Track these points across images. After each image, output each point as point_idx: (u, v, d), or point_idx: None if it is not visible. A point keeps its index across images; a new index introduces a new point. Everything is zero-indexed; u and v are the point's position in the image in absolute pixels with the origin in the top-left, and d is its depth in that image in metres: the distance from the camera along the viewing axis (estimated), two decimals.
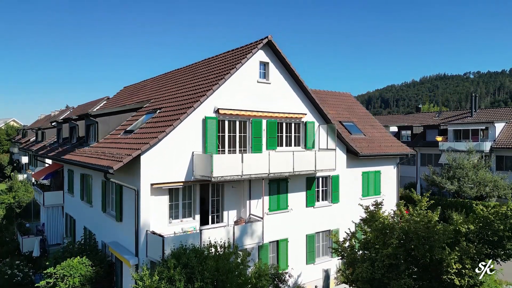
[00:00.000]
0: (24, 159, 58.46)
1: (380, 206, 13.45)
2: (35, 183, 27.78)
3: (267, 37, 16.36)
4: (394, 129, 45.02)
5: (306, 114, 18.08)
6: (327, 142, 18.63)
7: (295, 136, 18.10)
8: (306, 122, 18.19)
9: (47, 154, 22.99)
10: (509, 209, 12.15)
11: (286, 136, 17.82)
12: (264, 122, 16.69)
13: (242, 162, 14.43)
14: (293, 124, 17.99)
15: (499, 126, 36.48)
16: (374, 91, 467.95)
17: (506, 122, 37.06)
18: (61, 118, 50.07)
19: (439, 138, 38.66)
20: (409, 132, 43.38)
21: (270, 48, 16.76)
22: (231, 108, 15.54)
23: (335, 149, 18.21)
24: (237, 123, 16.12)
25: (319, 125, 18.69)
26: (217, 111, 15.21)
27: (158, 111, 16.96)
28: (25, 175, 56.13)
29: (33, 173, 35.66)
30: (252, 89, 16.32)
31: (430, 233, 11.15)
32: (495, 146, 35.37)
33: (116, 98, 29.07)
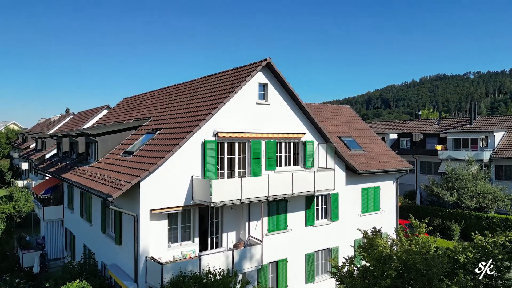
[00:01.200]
0: (24, 165, 58.45)
1: (379, 233, 13.47)
2: (35, 196, 27.79)
3: (266, 59, 16.41)
4: (393, 136, 45.04)
5: (305, 133, 18.12)
6: (326, 161, 18.67)
7: (294, 155, 18.14)
8: (305, 141, 18.23)
9: (47, 170, 23.02)
10: (507, 239, 12.16)
11: (286, 155, 17.85)
12: (263, 143, 16.73)
13: (241, 186, 14.47)
14: (292, 144, 18.03)
15: (498, 135, 36.49)
16: (374, 91, 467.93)
17: (506, 131, 37.06)
18: (62, 125, 50.15)
19: (438, 147, 38.67)
20: (408, 139, 43.36)
21: (269, 69, 16.80)
22: (230, 131, 15.57)
23: (334, 169, 18.26)
24: (236, 145, 16.16)
25: (318, 144, 18.72)
26: (216, 134, 15.25)
27: (158, 132, 17.00)
28: (25, 182, 56.23)
29: (33, 185, 35.70)
30: (251, 111, 16.36)
31: (429, 265, 11.18)
32: (494, 156, 35.37)
33: (115, 111, 29.10)
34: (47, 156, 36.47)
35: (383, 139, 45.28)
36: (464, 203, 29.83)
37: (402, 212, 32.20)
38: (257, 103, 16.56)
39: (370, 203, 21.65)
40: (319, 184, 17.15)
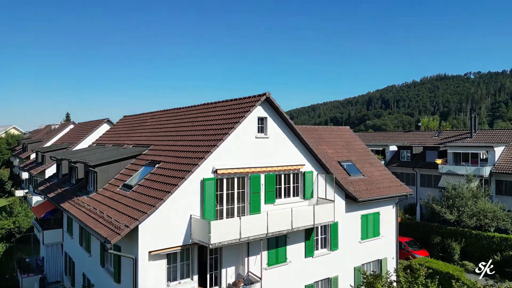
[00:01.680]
0: (25, 174, 58.48)
1: (378, 278, 13.45)
2: (35, 218, 27.76)
3: (265, 94, 16.40)
4: (393, 148, 45.01)
5: (304, 164, 18.09)
6: (326, 191, 18.64)
7: (294, 186, 18.12)
8: (304, 172, 18.20)
9: (47, 194, 23.00)
10: None
11: (285, 187, 17.83)
12: (262, 176, 16.71)
13: (240, 226, 14.45)
14: (291, 175, 18.01)
15: (498, 150, 36.44)
16: (375, 92, 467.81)
17: (506, 146, 37.02)
18: (62, 136, 50.03)
19: (438, 161, 38.64)
20: (409, 151, 43.34)
21: (268, 103, 16.78)
22: (229, 168, 15.55)
23: (333, 201, 18.22)
24: (235, 179, 16.14)
25: (317, 174, 18.69)
26: (215, 171, 15.23)
27: (157, 165, 16.97)
28: (25, 191, 56.22)
29: (33, 201, 35.68)
30: (250, 145, 16.33)
31: None
32: (494, 171, 35.34)
33: (115, 130, 29.06)
34: (47, 172, 36.50)
35: (383, 151, 45.29)
36: (464, 222, 29.80)
37: (402, 229, 32.21)
38: (256, 137, 16.53)
39: (370, 229, 21.62)
40: (319, 217, 17.13)
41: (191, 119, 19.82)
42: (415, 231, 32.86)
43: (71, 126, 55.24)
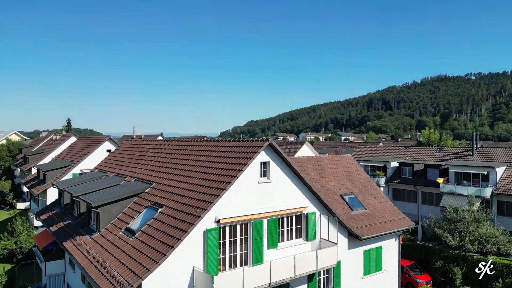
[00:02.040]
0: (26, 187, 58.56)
1: None
2: (36, 247, 27.75)
3: (267, 139, 16.42)
4: (395, 164, 44.96)
5: (307, 206, 18.11)
6: (328, 232, 18.65)
7: (296, 228, 18.13)
8: (307, 213, 18.22)
9: (49, 228, 23.02)
10: None
11: (288, 229, 17.85)
12: (265, 221, 16.72)
13: (243, 278, 14.48)
14: (294, 217, 18.01)
15: (500, 170, 36.38)
16: (375, 92, 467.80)
17: (507, 166, 36.97)
18: (62, 152, 49.91)
19: (440, 180, 38.60)
20: (410, 168, 43.31)
21: (271, 147, 16.79)
22: (232, 216, 15.56)
23: (336, 244, 18.22)
24: (238, 226, 16.15)
25: (320, 214, 18.70)
26: (218, 221, 15.24)
27: (160, 209, 16.96)
28: (27, 204, 56.27)
29: (34, 234, 35.48)
30: (253, 191, 16.34)
31: None
32: (496, 192, 35.30)
33: (117, 155, 29.01)
34: (48, 192, 36.58)
35: (385, 167, 45.27)
36: (466, 247, 29.77)
37: (404, 250, 32.12)
38: (259, 182, 16.55)
39: (372, 263, 21.62)
40: (322, 261, 17.17)
41: (194, 157, 19.80)
42: (416, 254, 32.80)
43: (73, 139, 55.29)
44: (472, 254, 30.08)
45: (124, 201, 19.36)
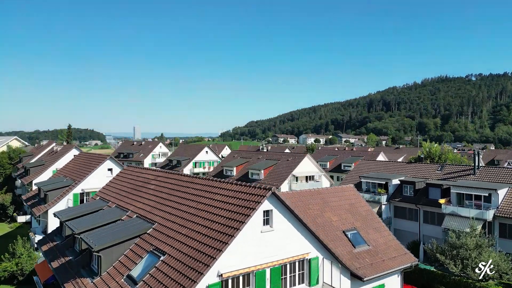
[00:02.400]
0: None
1: None
2: (38, 278, 27.68)
3: (270, 189, 16.31)
4: (396, 182, 44.87)
5: (310, 252, 18.01)
6: (331, 278, 18.55)
7: (299, 273, 18.03)
8: (310, 259, 18.12)
9: (51, 263, 22.93)
10: None
11: (291, 276, 17.75)
12: (267, 271, 16.62)
13: None
14: (297, 263, 17.91)
15: (502, 192, 36.26)
16: (376, 93, 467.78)
17: (509, 187, 36.86)
18: (62, 168, 49.80)
19: (442, 201, 38.49)
20: (411, 186, 43.22)
21: (274, 195, 16.69)
22: (234, 270, 15.47)
23: None
24: (240, 278, 16.05)
25: (323, 258, 18.61)
26: (220, 275, 15.15)
27: (162, 257, 16.86)
28: (28, 217, 56.22)
29: (36, 240, 35.60)
30: (255, 241, 16.23)
31: None
32: (498, 214, 35.20)
33: (118, 183, 28.91)
34: (49, 212, 36.50)
35: (386, 185, 45.17)
36: (468, 275, 29.68)
37: (405, 275, 32.04)
38: (261, 232, 16.44)
39: None
40: None
41: (196, 197, 19.69)
42: (417, 279, 32.71)
43: (74, 151, 55.35)
44: (474, 282, 29.99)
45: (126, 242, 19.28)
